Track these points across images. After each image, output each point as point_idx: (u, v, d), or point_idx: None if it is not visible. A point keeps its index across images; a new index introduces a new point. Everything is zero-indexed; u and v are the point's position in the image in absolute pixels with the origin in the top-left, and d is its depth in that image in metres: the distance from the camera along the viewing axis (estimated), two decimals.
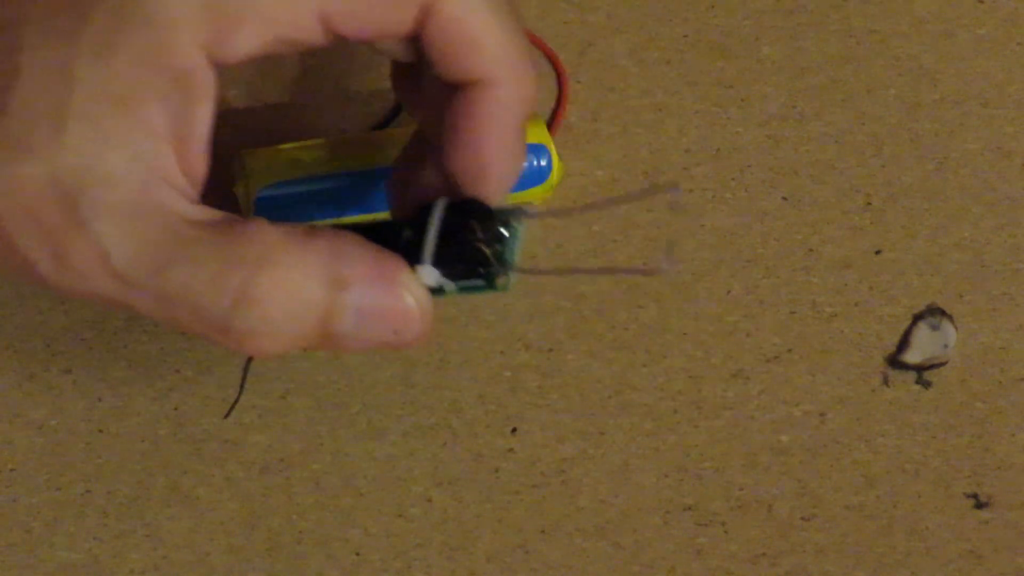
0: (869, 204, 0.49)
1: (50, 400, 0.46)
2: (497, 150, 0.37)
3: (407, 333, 0.37)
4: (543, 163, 0.47)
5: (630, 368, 0.47)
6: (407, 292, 0.36)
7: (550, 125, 0.49)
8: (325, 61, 0.50)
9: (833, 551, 0.46)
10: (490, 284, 0.37)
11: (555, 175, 0.48)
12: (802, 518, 0.46)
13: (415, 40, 0.37)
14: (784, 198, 0.49)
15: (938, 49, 0.51)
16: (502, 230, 0.37)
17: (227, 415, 0.46)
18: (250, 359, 0.46)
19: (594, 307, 0.48)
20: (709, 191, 0.49)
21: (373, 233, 0.37)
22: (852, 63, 0.50)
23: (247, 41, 0.35)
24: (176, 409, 0.47)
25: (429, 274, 0.37)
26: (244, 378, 0.46)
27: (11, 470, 0.46)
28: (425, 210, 0.37)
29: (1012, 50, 0.51)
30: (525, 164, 0.39)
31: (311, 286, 0.35)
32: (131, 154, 0.35)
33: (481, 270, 0.37)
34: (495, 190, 0.38)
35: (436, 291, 0.37)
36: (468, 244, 0.36)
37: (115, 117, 0.35)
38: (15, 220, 0.35)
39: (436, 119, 0.39)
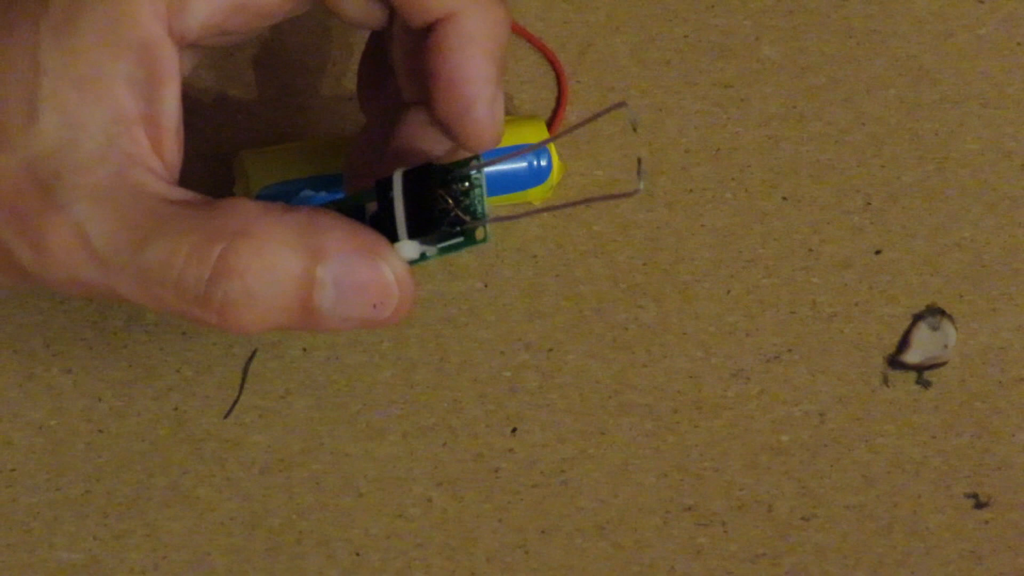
0: (869, 204, 0.49)
1: (50, 400, 0.46)
2: (477, 82, 0.37)
3: (387, 307, 0.36)
4: (543, 163, 0.47)
5: (630, 368, 0.47)
6: (385, 264, 0.36)
7: (550, 125, 0.49)
8: (325, 61, 0.50)
9: (833, 551, 0.46)
10: (469, 239, 0.37)
11: (555, 175, 0.48)
12: (802, 518, 0.46)
13: None
14: (784, 198, 0.49)
15: (938, 49, 0.51)
16: (464, 184, 0.37)
17: (227, 415, 0.46)
18: (250, 359, 0.46)
19: (594, 307, 0.48)
20: (709, 191, 0.49)
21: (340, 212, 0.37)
22: (852, 63, 0.50)
23: (204, 5, 0.35)
24: (176, 409, 0.47)
25: (410, 248, 0.37)
26: (244, 378, 0.46)
27: (11, 470, 0.46)
28: (383, 184, 0.37)
29: (1012, 50, 0.51)
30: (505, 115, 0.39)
31: (290, 257, 0.35)
32: (104, 138, 0.35)
33: (457, 228, 0.37)
34: (486, 127, 0.38)
35: (419, 259, 0.37)
36: (436, 208, 0.36)
37: (85, 101, 0.35)
38: None
39: (420, 82, 0.38)
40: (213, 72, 0.49)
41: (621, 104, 0.35)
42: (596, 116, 0.37)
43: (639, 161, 0.36)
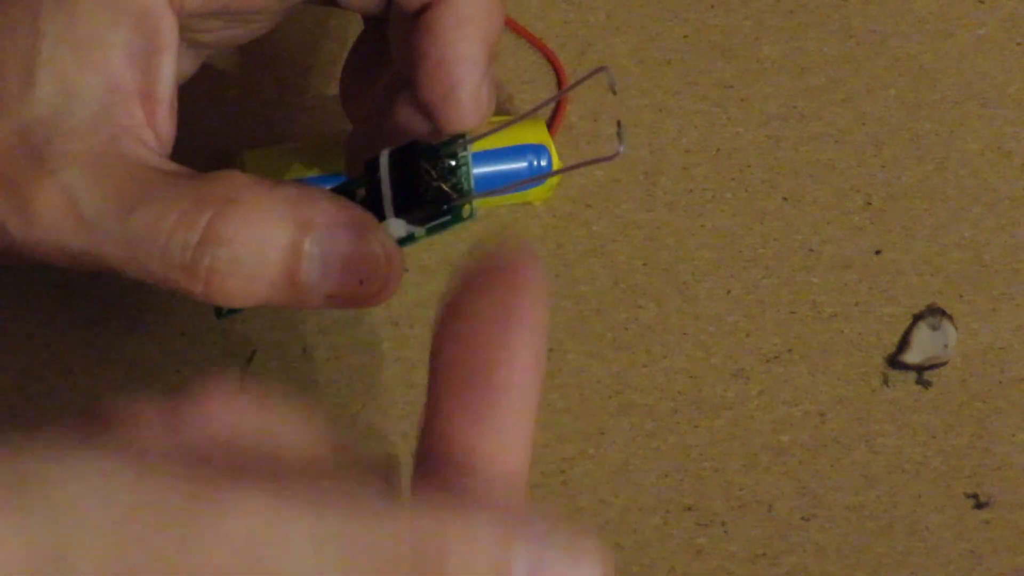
0: (869, 204, 0.49)
1: (49, 401, 0.46)
2: (465, 64, 0.37)
3: (373, 284, 0.36)
4: (543, 163, 0.47)
5: (630, 368, 0.47)
6: (374, 238, 0.36)
7: (550, 125, 0.49)
8: (325, 61, 0.50)
9: (833, 551, 0.46)
10: (457, 217, 0.37)
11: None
12: (802, 518, 0.46)
13: None
14: (784, 198, 0.49)
15: (938, 49, 0.51)
16: (451, 162, 0.37)
17: None
18: (250, 359, 0.46)
19: (594, 307, 0.48)
20: (709, 191, 0.49)
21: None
22: (852, 63, 0.50)
23: None
24: None
25: (397, 226, 0.37)
26: (243, 378, 0.46)
27: None
28: (372, 164, 0.37)
29: (1012, 50, 0.51)
30: (495, 99, 0.39)
31: (278, 227, 0.35)
32: (99, 107, 0.35)
33: (444, 206, 0.37)
34: (469, 110, 0.38)
35: (407, 239, 0.37)
36: (423, 186, 0.36)
37: (81, 68, 0.35)
38: None
39: (408, 64, 0.38)
40: (213, 72, 0.49)
41: (602, 68, 0.35)
42: (577, 83, 0.37)
43: (619, 124, 0.36)
